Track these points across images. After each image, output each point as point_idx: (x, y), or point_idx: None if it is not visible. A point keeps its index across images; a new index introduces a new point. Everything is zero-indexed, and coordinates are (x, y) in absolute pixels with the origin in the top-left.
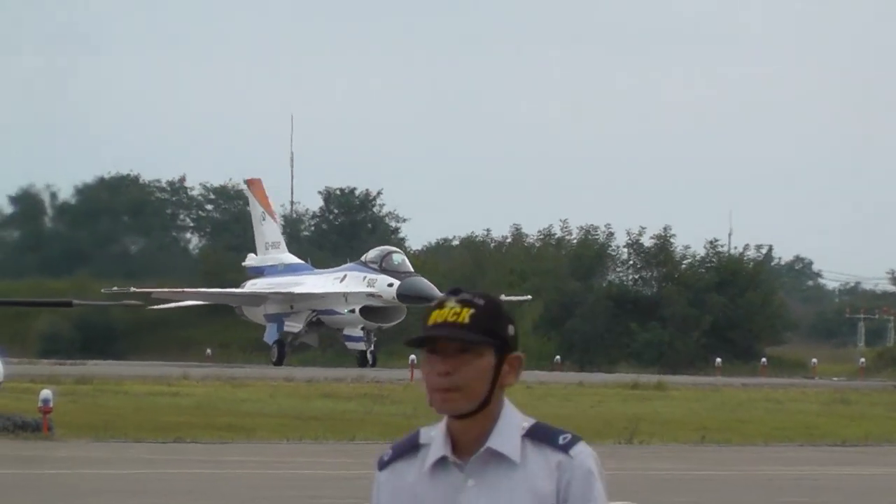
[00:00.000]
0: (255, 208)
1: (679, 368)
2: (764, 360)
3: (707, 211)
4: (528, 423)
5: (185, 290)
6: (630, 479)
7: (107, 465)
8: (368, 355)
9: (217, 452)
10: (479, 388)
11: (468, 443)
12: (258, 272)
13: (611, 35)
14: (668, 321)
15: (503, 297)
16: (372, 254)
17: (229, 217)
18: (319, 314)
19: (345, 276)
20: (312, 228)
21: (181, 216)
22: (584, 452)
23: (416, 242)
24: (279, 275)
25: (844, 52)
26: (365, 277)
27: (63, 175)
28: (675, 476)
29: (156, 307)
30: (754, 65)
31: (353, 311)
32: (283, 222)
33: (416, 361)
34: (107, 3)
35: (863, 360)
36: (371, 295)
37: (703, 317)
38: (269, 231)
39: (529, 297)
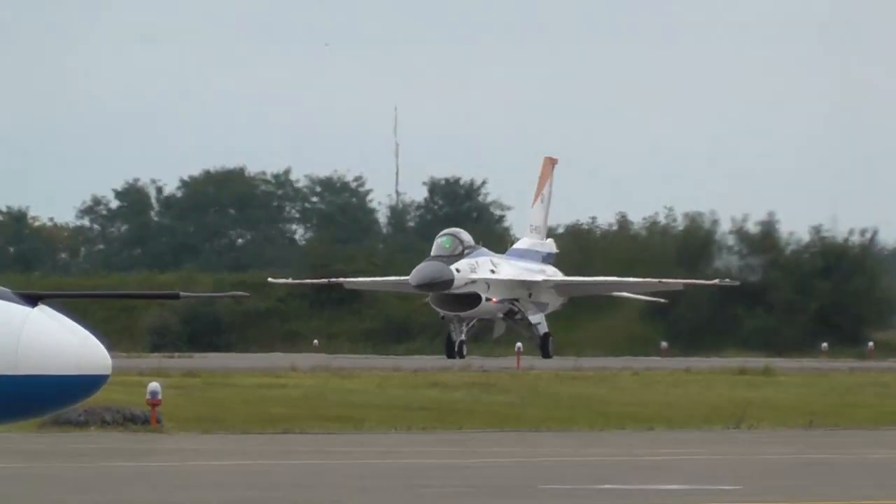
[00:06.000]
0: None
1: (786, 354)
2: (871, 343)
3: (811, 195)
4: None
5: None
6: (739, 465)
7: (216, 457)
8: (457, 345)
9: (326, 443)
10: None
11: None
12: None
13: (710, 25)
14: (773, 307)
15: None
16: None
17: (335, 209)
18: None
19: None
20: (418, 219)
21: (287, 208)
22: None
23: (521, 230)
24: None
25: None
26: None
27: (169, 169)
28: (784, 461)
29: None
30: (860, 52)
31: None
32: (388, 213)
33: (521, 349)
34: None
35: None
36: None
37: (809, 302)
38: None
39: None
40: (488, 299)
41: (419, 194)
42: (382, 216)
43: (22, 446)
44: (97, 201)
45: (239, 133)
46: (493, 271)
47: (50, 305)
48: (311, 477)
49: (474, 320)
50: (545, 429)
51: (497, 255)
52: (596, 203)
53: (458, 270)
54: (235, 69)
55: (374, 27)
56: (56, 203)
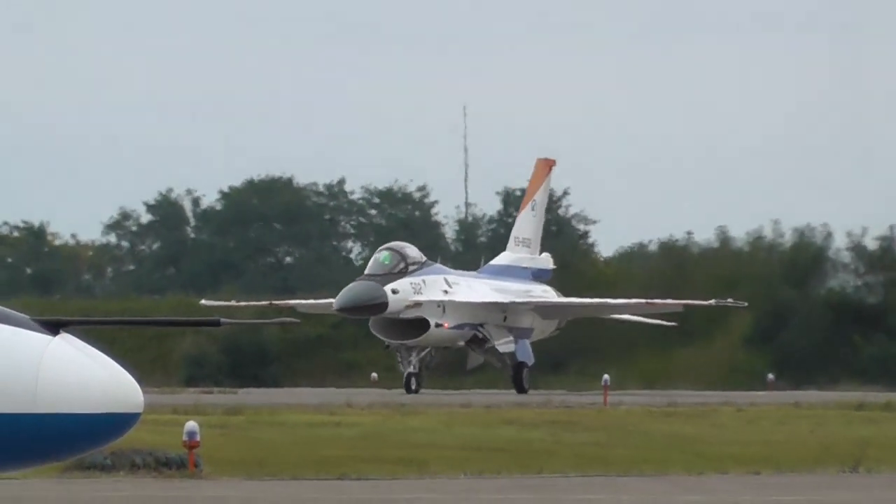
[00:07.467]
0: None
1: None
2: None
3: None
4: None
5: None
6: None
7: None
8: (404, 378)
9: (387, 490)
10: None
11: None
12: None
13: (837, 24)
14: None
15: (713, 302)
16: None
17: (396, 223)
18: None
19: None
20: (490, 234)
21: (341, 223)
22: None
23: (608, 248)
24: None
25: None
26: None
27: (207, 179)
28: None
29: None
30: None
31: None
32: (457, 228)
33: (608, 382)
34: None
35: None
36: None
37: None
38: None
39: (745, 303)
40: (439, 325)
41: (492, 206)
42: (450, 231)
43: (42, 494)
44: (126, 215)
45: (287, 138)
46: (446, 291)
47: (73, 334)
48: None
49: (427, 349)
50: (636, 472)
51: (457, 272)
52: (692, 215)
53: (394, 292)
54: (283, 66)
55: (441, 18)
56: (80, 217)
